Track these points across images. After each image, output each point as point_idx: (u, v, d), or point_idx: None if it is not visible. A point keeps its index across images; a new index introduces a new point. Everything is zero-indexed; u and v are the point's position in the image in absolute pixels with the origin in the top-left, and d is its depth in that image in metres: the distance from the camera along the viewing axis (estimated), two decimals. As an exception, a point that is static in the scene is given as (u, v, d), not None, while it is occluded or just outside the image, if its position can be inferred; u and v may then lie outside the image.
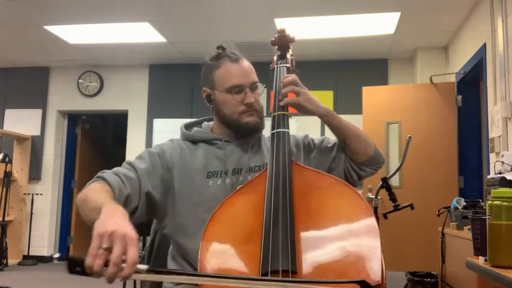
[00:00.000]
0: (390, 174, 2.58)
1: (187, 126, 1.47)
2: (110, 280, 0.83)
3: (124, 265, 0.83)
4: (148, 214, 1.34)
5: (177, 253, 1.35)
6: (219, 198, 1.20)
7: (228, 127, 1.40)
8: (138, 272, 0.85)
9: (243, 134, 1.39)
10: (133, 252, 0.85)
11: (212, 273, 0.95)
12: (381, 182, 2.42)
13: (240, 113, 1.36)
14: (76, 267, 0.85)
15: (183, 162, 1.36)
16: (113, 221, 0.91)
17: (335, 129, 1.39)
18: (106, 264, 0.83)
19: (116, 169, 1.30)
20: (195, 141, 1.41)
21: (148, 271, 0.86)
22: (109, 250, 0.84)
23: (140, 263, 1.54)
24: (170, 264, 1.37)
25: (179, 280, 0.92)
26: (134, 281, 4.12)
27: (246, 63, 1.40)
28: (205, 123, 1.49)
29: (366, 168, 1.44)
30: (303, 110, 1.34)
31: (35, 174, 5.97)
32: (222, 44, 1.43)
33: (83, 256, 0.86)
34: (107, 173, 1.25)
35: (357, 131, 1.41)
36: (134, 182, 1.27)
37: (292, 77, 1.37)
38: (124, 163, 1.34)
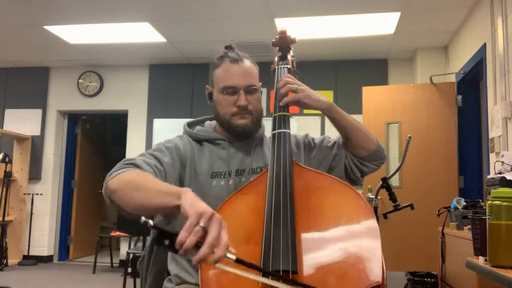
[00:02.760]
0: (390, 174, 2.58)
1: (190, 125, 1.47)
2: (199, 261, 0.83)
3: (215, 249, 0.83)
4: None
5: (176, 254, 1.35)
6: (222, 199, 1.20)
7: (222, 127, 1.40)
8: (227, 258, 0.85)
9: (235, 135, 1.38)
10: (225, 236, 0.86)
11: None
12: (381, 182, 2.42)
13: (231, 115, 1.35)
14: (165, 239, 0.84)
15: (192, 159, 1.36)
16: (206, 205, 0.91)
17: (337, 123, 1.39)
18: (196, 245, 0.83)
19: (143, 159, 1.24)
20: (199, 141, 1.41)
21: (237, 260, 0.86)
22: (204, 231, 0.84)
23: (140, 263, 1.55)
24: (171, 265, 1.37)
25: (259, 280, 0.91)
26: (134, 281, 4.14)
27: (246, 65, 1.37)
28: (207, 122, 1.49)
29: (369, 164, 1.44)
30: (304, 106, 1.35)
31: (35, 174, 5.97)
32: (230, 44, 1.43)
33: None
34: (139, 161, 1.20)
35: (359, 125, 1.41)
36: (162, 175, 1.25)
37: (288, 76, 1.37)
38: (145, 153, 1.29)
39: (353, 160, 1.43)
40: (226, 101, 1.35)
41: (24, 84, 6.11)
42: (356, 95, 4.86)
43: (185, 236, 0.83)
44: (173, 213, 1.30)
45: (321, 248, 1.02)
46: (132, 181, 1.10)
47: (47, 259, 5.95)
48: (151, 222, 0.85)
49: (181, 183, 1.32)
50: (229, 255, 0.85)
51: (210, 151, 1.38)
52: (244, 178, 1.34)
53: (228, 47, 1.42)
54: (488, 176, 2.64)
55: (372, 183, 4.16)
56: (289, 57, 1.51)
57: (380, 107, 4.46)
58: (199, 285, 1.01)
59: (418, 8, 3.97)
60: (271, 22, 4.30)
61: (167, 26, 4.55)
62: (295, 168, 1.21)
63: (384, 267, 0.98)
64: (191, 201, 0.92)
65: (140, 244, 4.93)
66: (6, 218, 5.63)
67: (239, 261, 0.86)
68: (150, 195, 1.03)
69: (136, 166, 1.18)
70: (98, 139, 7.04)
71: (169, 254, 1.40)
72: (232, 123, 1.36)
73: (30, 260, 5.73)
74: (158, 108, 5.78)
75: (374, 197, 2.64)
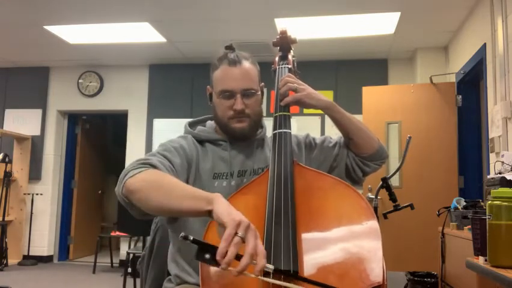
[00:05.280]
0: (390, 174, 2.59)
1: (191, 125, 1.47)
2: (240, 272, 0.83)
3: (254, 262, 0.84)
4: None
5: (177, 252, 1.35)
6: (223, 200, 1.20)
7: (221, 129, 1.40)
8: (267, 268, 0.85)
9: (233, 138, 1.38)
10: (261, 245, 0.87)
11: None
12: (381, 182, 2.42)
13: (228, 118, 1.34)
14: (206, 253, 0.83)
15: (197, 161, 1.35)
16: (241, 214, 0.91)
17: (338, 122, 1.39)
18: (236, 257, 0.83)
19: (158, 159, 1.21)
20: (201, 141, 1.41)
21: (275, 270, 0.87)
22: (242, 241, 0.85)
23: (140, 263, 1.55)
24: (171, 265, 1.37)
25: None
26: (134, 281, 4.14)
27: (244, 68, 1.35)
28: (209, 122, 1.48)
29: (371, 164, 1.44)
30: (304, 105, 1.34)
31: (35, 174, 5.97)
32: (231, 44, 1.41)
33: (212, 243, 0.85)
34: (156, 162, 1.17)
35: (360, 125, 1.41)
36: (174, 176, 1.22)
37: (288, 75, 1.37)
38: (156, 153, 1.26)
39: (355, 160, 1.43)
40: (223, 104, 1.35)
41: (24, 84, 6.11)
42: (356, 95, 4.86)
43: (226, 247, 0.83)
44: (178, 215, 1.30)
45: (322, 248, 1.03)
46: (155, 181, 1.08)
47: (47, 259, 5.95)
48: (191, 237, 0.84)
49: (186, 182, 1.31)
50: (267, 265, 0.86)
51: (212, 152, 1.38)
52: (246, 179, 1.34)
53: (229, 47, 1.41)
54: (488, 176, 2.64)
55: (372, 183, 4.16)
56: (290, 57, 1.51)
57: (380, 107, 4.46)
58: (200, 285, 1.01)
59: (418, 8, 3.97)
60: (271, 22, 4.30)
61: (167, 26, 4.55)
62: (296, 168, 1.21)
63: (385, 268, 0.98)
64: (226, 209, 0.92)
65: (140, 244, 4.93)
66: (6, 218, 5.63)
67: (276, 271, 0.88)
68: (176, 197, 1.02)
69: (153, 166, 1.15)
70: (98, 139, 7.04)
71: (169, 254, 1.40)
72: (229, 127, 1.35)
73: (30, 260, 5.73)
74: (158, 108, 5.78)
75: (374, 197, 2.64)
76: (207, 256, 0.83)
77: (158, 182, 1.08)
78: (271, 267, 0.86)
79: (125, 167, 1.18)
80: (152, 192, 1.05)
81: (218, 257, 0.83)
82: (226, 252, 0.84)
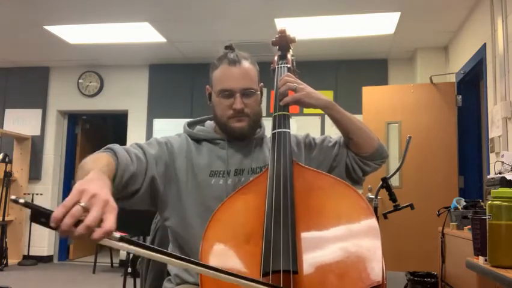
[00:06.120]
0: (390, 174, 2.58)
1: (190, 124, 1.47)
2: (75, 239, 0.77)
3: (96, 229, 0.76)
4: (150, 200, 1.31)
5: (177, 252, 1.35)
6: (220, 198, 1.20)
7: (220, 129, 1.41)
8: (109, 238, 0.77)
9: (232, 138, 1.38)
10: (111, 220, 0.78)
11: (188, 259, 0.84)
12: (381, 182, 2.42)
13: (228, 118, 1.35)
14: (41, 217, 0.77)
15: (189, 157, 1.36)
16: (98, 185, 0.85)
17: (337, 122, 1.39)
18: (75, 224, 0.76)
19: (125, 147, 1.27)
20: (198, 140, 1.41)
21: (121, 239, 0.78)
22: (84, 210, 0.78)
23: (140, 263, 1.55)
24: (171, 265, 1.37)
25: (149, 257, 0.82)
26: (134, 280, 4.13)
27: (244, 67, 1.35)
28: (208, 122, 1.49)
29: (371, 163, 1.44)
30: (304, 105, 1.35)
31: (35, 174, 5.97)
32: (231, 44, 1.42)
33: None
34: (117, 147, 1.23)
35: (360, 124, 1.41)
36: (142, 164, 1.26)
37: (287, 75, 1.37)
38: (133, 144, 1.32)
39: (355, 159, 1.43)
40: (222, 103, 1.35)
41: (24, 84, 6.11)
42: (356, 95, 4.86)
43: (61, 214, 0.76)
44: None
45: (321, 248, 1.02)
46: (88, 161, 1.11)
47: (47, 259, 5.95)
48: (21, 200, 0.78)
49: (172, 178, 1.33)
50: (114, 234, 0.78)
51: (209, 150, 1.38)
52: (244, 178, 1.34)
53: (228, 47, 1.41)
54: (488, 176, 2.64)
55: (372, 183, 4.16)
56: (289, 56, 1.51)
57: (380, 107, 4.46)
58: (199, 285, 1.01)
59: (418, 8, 3.97)
60: (271, 22, 4.30)
61: (167, 26, 4.55)
62: (295, 168, 1.20)
63: (384, 267, 0.98)
64: (83, 180, 0.88)
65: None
66: (6, 218, 5.63)
67: (123, 240, 0.78)
68: (80, 176, 1.04)
69: (112, 150, 1.20)
70: (98, 139, 7.04)
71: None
72: (228, 126, 1.36)
73: (30, 260, 5.73)
74: (158, 108, 5.78)
75: (374, 197, 2.64)
76: (43, 220, 0.77)
77: (89, 161, 1.11)
78: (117, 235, 0.77)
79: None
80: (80, 171, 1.09)
81: (51, 224, 0.76)
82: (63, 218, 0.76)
